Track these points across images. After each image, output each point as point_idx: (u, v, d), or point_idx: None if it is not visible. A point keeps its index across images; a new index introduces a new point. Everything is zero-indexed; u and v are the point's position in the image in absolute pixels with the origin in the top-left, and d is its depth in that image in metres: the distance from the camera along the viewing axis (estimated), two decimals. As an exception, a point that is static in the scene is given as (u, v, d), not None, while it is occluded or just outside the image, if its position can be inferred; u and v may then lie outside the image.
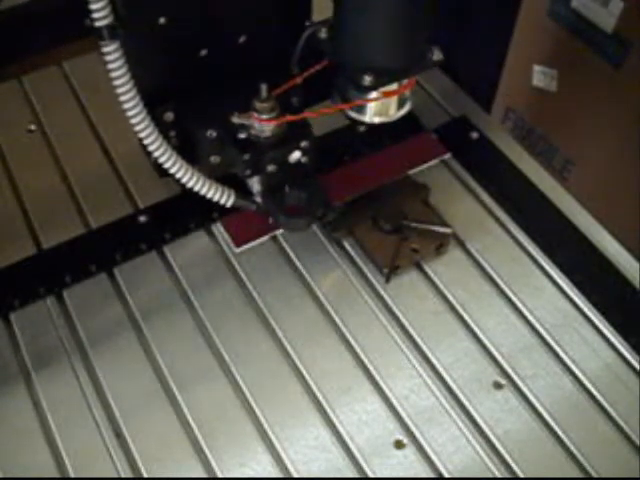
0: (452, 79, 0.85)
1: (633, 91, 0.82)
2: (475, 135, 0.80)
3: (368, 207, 0.71)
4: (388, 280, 0.68)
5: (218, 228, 0.72)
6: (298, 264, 0.69)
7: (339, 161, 0.76)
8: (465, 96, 0.84)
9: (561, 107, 0.93)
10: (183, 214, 0.72)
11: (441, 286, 0.68)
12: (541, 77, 0.93)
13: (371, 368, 0.63)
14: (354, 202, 0.71)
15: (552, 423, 0.61)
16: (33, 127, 0.80)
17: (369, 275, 0.69)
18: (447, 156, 0.78)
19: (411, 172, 0.76)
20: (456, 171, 0.77)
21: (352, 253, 0.70)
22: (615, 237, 0.72)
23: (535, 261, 0.70)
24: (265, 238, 0.71)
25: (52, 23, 0.83)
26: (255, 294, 0.67)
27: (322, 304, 0.67)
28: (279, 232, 0.71)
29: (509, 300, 0.68)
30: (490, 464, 0.58)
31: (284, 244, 0.71)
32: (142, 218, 0.71)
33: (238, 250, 0.70)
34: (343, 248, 0.71)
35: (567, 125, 0.93)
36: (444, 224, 0.70)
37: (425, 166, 0.77)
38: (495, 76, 0.86)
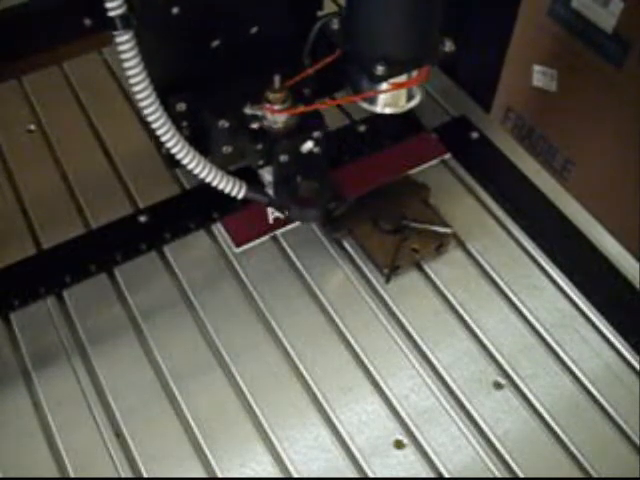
0: (451, 79, 0.85)
1: (633, 91, 0.82)
2: (475, 135, 0.80)
3: (368, 207, 0.71)
4: (388, 280, 0.68)
5: (218, 228, 0.71)
6: (298, 264, 0.69)
7: (339, 161, 0.76)
8: (465, 96, 0.84)
9: (561, 107, 0.93)
10: (183, 214, 0.71)
11: (441, 286, 0.68)
12: (541, 77, 0.93)
13: (371, 368, 0.63)
14: (354, 202, 0.71)
15: (552, 423, 0.61)
16: (33, 127, 0.80)
17: (369, 275, 0.69)
18: (447, 156, 0.78)
19: (411, 172, 0.76)
20: (456, 171, 0.77)
21: (352, 253, 0.70)
22: (615, 237, 0.72)
23: (535, 261, 0.70)
24: (265, 238, 0.71)
25: (51, 23, 0.82)
26: (255, 294, 0.67)
27: (322, 304, 0.67)
28: (279, 232, 0.71)
29: (509, 300, 0.68)
30: (490, 464, 0.58)
31: (284, 244, 0.71)
32: (142, 218, 0.71)
33: (238, 250, 0.70)
34: (343, 248, 0.71)
35: (567, 125, 0.93)
36: (444, 224, 0.70)
37: (425, 166, 0.77)
38: (495, 76, 0.86)
